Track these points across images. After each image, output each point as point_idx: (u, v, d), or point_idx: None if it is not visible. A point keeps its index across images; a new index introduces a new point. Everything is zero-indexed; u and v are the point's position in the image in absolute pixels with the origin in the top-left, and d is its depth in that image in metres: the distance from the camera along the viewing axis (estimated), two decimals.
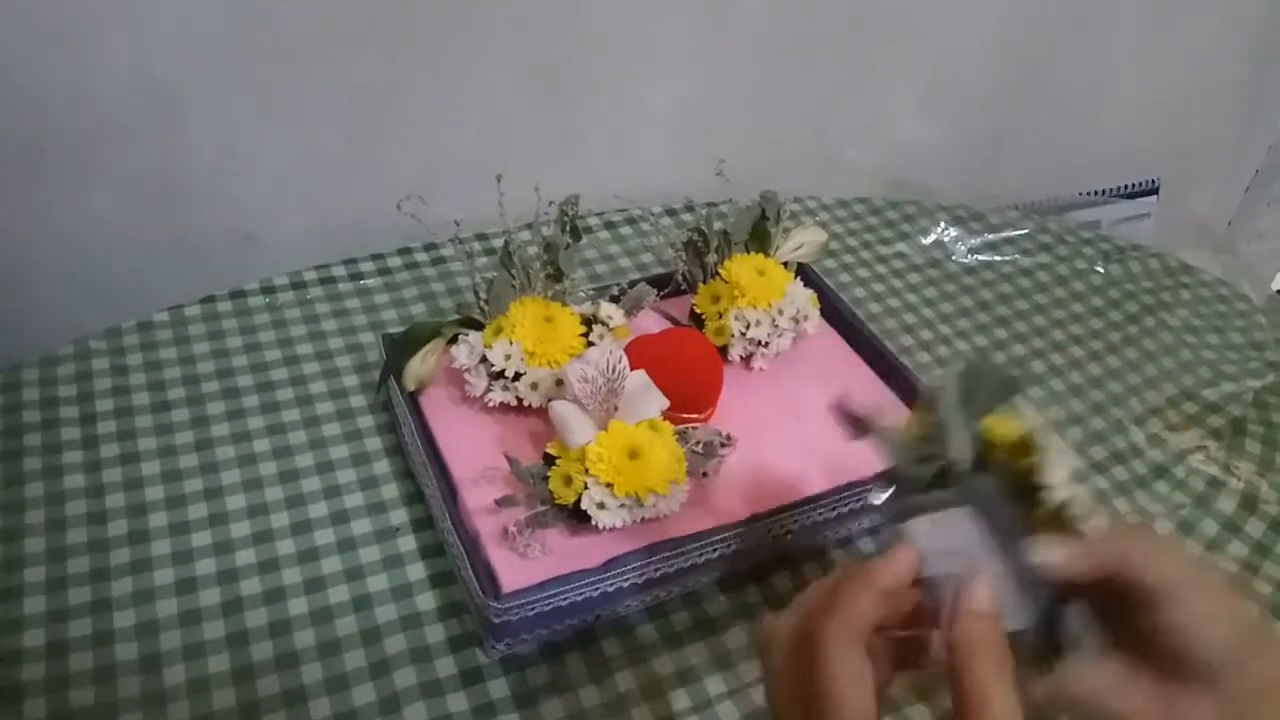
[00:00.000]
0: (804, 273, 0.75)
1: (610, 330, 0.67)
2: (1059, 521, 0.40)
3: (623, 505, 0.56)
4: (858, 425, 0.43)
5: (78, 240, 0.79)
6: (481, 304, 0.66)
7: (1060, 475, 0.39)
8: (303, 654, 0.55)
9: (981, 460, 0.40)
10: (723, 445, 0.61)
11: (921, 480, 0.41)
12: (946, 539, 0.39)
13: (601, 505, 0.56)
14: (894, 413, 0.43)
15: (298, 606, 0.58)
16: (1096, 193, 1.17)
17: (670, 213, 0.92)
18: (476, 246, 0.84)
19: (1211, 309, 0.91)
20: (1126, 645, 0.41)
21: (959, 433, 0.40)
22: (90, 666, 0.54)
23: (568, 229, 0.66)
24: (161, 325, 0.75)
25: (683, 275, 0.74)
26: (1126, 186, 1.19)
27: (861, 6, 0.96)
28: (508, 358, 0.63)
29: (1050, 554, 0.39)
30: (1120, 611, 0.40)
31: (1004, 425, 0.41)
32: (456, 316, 0.67)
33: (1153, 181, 1.19)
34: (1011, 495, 0.40)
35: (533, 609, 0.54)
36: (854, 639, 0.37)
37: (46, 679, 0.53)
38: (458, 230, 0.65)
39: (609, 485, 0.56)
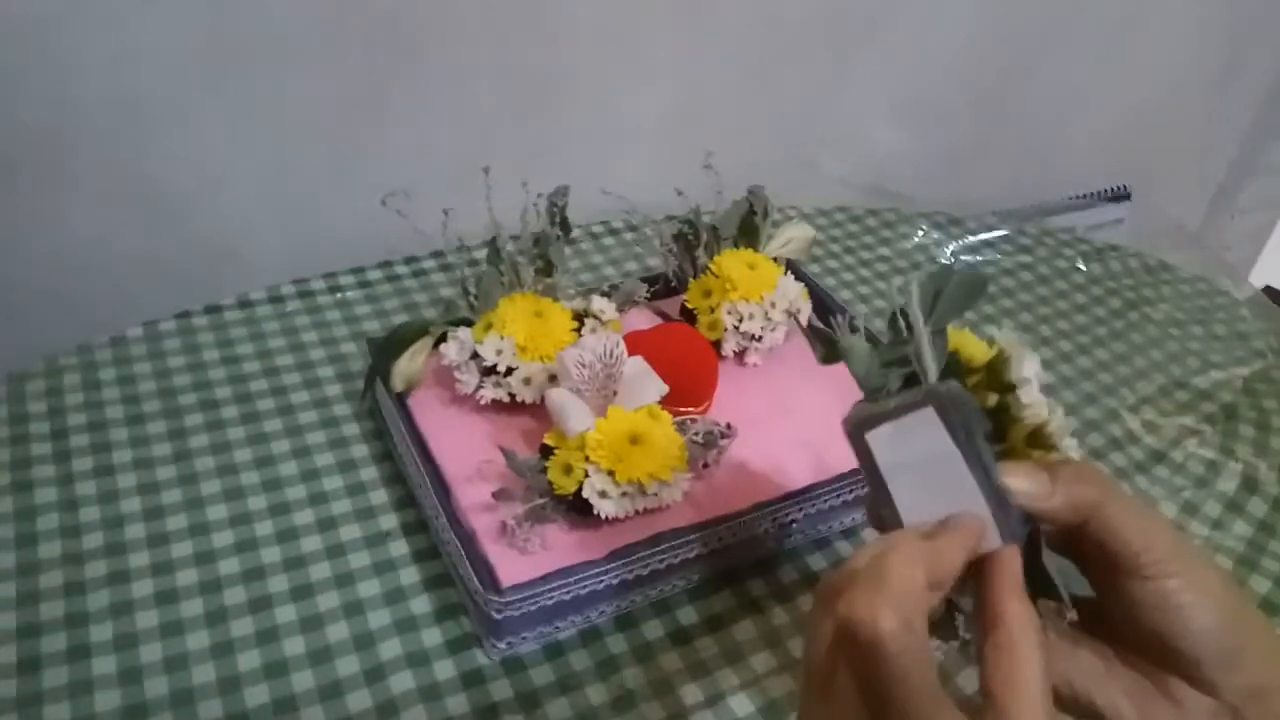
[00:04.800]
0: (792, 269, 0.75)
1: (602, 324, 0.65)
2: (1037, 442, 0.36)
3: (625, 494, 0.54)
4: (827, 345, 0.39)
5: (49, 253, 0.76)
6: (471, 300, 0.64)
7: (1031, 374, 0.35)
8: (292, 662, 0.53)
9: (950, 370, 0.36)
10: (723, 435, 0.60)
11: (888, 390, 0.37)
12: (911, 449, 0.35)
13: (603, 494, 0.54)
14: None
15: (285, 614, 0.55)
16: (1071, 198, 1.19)
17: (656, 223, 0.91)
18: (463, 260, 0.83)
19: (1194, 304, 0.91)
20: (1101, 620, 0.36)
21: (925, 336, 0.36)
22: (65, 682, 0.51)
23: (557, 221, 0.65)
24: (135, 341, 0.72)
25: (673, 273, 0.73)
26: (1099, 193, 1.21)
27: (835, 17, 0.97)
28: (499, 353, 0.61)
29: (1019, 482, 0.34)
30: (1094, 579, 0.36)
31: (973, 345, 0.38)
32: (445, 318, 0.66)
33: (1124, 188, 1.21)
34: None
35: (534, 603, 0.52)
36: (914, 629, 0.31)
37: (18, 696, 0.50)
38: (445, 219, 0.63)
39: (610, 472, 0.54)
